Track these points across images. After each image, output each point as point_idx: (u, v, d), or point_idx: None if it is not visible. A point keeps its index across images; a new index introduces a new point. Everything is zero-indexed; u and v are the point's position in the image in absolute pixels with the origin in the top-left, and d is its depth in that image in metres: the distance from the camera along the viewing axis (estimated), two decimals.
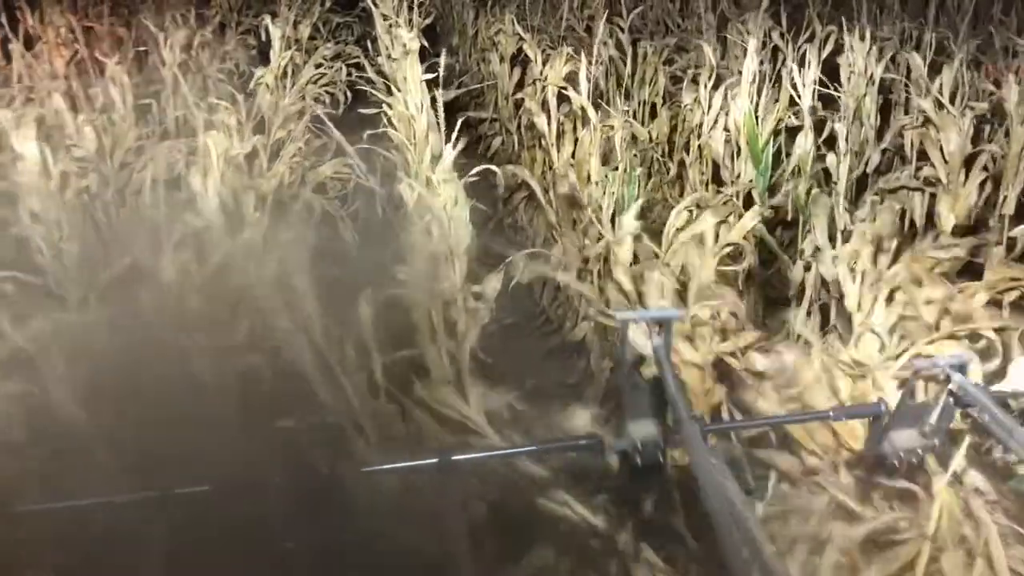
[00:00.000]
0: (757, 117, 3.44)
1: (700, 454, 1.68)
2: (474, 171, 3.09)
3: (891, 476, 2.00)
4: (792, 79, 3.69)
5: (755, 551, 1.37)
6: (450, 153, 2.91)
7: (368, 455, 2.22)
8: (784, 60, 4.62)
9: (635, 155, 3.66)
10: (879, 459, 1.94)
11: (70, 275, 2.86)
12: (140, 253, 2.63)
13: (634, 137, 4.47)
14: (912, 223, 3.77)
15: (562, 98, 4.13)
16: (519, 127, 5.04)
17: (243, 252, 2.81)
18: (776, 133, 3.57)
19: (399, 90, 3.82)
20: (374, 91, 3.95)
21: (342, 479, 1.89)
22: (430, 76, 3.49)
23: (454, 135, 3.02)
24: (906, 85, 4.57)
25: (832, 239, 3.12)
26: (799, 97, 3.40)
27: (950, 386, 1.77)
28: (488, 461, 2.12)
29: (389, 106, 3.45)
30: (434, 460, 1.87)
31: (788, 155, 4.06)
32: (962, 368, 1.78)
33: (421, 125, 3.26)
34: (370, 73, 4.53)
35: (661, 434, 1.91)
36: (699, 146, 4.10)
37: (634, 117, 4.66)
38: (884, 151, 4.14)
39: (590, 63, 3.58)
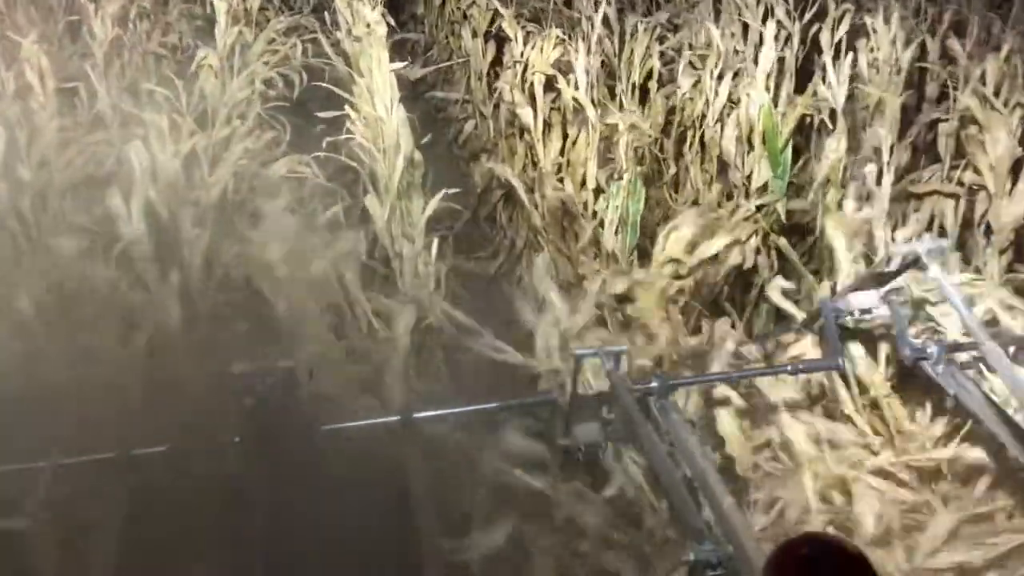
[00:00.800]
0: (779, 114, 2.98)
1: (641, 425, 1.93)
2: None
3: None
4: (804, 66, 3.25)
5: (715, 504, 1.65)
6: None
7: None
8: (788, 38, 4.17)
9: (632, 155, 3.17)
10: None
11: None
12: (35, 292, 2.15)
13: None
14: (942, 230, 3.37)
15: (547, 84, 3.66)
16: (495, 111, 4.54)
17: (176, 286, 2.33)
18: (798, 131, 3.11)
19: (361, 76, 3.31)
20: (334, 86, 3.41)
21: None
22: (400, 65, 2.98)
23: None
24: (921, 70, 4.15)
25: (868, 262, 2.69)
26: (829, 91, 2.93)
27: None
28: (449, 418, 2.23)
29: (353, 107, 2.92)
30: (396, 418, 2.10)
31: (800, 151, 3.64)
32: (939, 253, 2.13)
33: (390, 128, 2.76)
34: (328, 50, 4.00)
35: None
36: (701, 141, 3.64)
37: (621, 100, 4.18)
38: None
39: (587, 50, 3.07)
